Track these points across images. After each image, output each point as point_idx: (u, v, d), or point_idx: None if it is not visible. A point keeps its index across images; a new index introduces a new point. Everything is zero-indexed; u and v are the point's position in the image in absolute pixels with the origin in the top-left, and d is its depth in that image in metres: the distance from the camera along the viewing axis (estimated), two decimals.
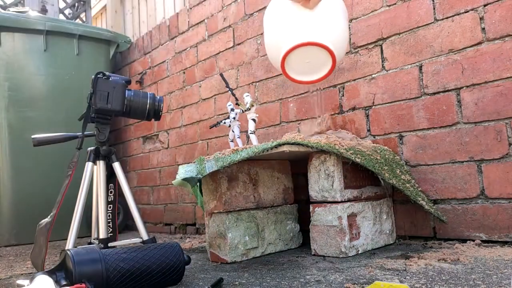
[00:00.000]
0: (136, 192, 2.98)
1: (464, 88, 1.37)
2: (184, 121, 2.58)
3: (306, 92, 1.85)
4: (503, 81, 1.29)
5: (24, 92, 2.59)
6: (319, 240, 1.34)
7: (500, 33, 1.30)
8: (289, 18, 1.26)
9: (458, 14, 1.39)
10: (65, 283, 0.90)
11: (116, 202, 1.52)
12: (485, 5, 1.33)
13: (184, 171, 1.39)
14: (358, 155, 1.32)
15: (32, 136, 1.41)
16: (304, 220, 1.60)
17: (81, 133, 1.42)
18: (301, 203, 1.68)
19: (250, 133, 1.55)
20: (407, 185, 1.39)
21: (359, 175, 1.39)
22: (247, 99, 1.59)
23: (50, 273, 0.94)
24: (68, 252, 0.94)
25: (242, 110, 1.62)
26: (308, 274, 1.10)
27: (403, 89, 1.52)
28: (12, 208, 2.51)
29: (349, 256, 1.29)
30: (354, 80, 1.67)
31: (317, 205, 1.36)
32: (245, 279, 1.10)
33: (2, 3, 3.23)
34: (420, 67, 1.48)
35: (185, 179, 1.36)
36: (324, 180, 1.34)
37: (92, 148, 1.40)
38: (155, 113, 1.47)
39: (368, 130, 1.63)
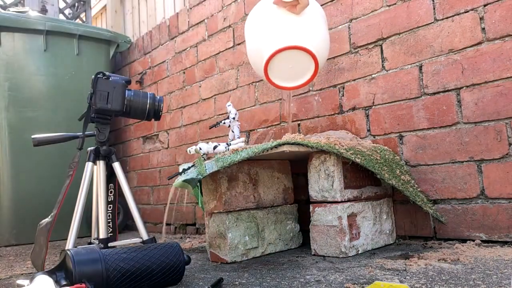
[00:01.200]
0: (136, 192, 2.98)
1: (464, 88, 1.37)
2: (184, 121, 2.58)
3: (306, 92, 1.85)
4: (503, 81, 1.29)
5: (24, 92, 2.59)
6: (319, 240, 1.34)
7: (500, 33, 1.30)
8: (273, 23, 1.25)
9: (458, 14, 1.39)
10: (65, 283, 0.90)
11: (116, 202, 1.52)
12: (485, 5, 1.33)
13: (186, 174, 1.39)
14: (358, 155, 1.32)
15: (32, 136, 1.41)
16: (304, 220, 1.60)
17: (81, 133, 1.42)
18: (301, 203, 1.68)
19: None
20: (407, 185, 1.39)
21: (359, 175, 1.39)
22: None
23: (50, 273, 0.94)
24: (68, 252, 0.94)
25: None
26: (308, 274, 1.10)
27: (403, 89, 1.52)
28: (12, 208, 2.51)
29: (349, 256, 1.29)
30: (354, 80, 1.67)
31: (317, 205, 1.36)
32: (245, 279, 1.10)
33: (2, 3, 3.23)
34: (420, 67, 1.48)
35: (185, 181, 1.36)
36: (324, 180, 1.34)
37: (92, 148, 1.40)
38: (155, 113, 1.47)
39: (368, 130, 1.63)
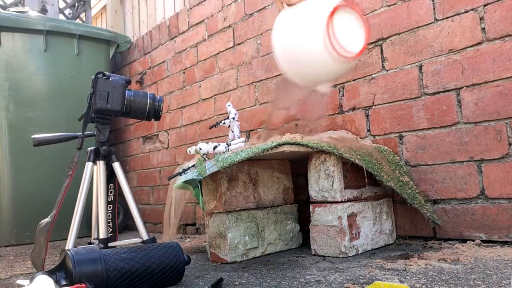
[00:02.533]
0: (136, 192, 2.98)
1: (464, 88, 1.37)
2: (184, 121, 2.58)
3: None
4: (503, 81, 1.29)
5: (24, 92, 2.59)
6: (319, 240, 1.34)
7: (500, 33, 1.30)
8: (304, 10, 1.11)
9: (458, 14, 1.39)
10: (65, 283, 0.90)
11: (116, 202, 1.52)
12: (485, 5, 1.33)
13: (185, 174, 1.39)
14: (358, 156, 1.32)
15: (32, 136, 1.41)
16: (304, 220, 1.60)
17: (81, 133, 1.42)
18: (301, 203, 1.68)
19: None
20: (405, 187, 1.39)
21: (359, 175, 1.39)
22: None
23: (50, 273, 0.94)
24: (68, 252, 0.94)
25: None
26: (308, 274, 1.10)
27: (403, 89, 1.52)
28: (12, 208, 2.51)
29: (349, 256, 1.29)
30: (354, 80, 1.67)
31: (317, 205, 1.36)
32: (245, 279, 1.10)
33: (2, 3, 3.23)
34: (420, 67, 1.48)
35: (186, 182, 1.36)
36: (324, 180, 1.34)
37: (92, 148, 1.40)
38: (155, 113, 1.47)
39: (368, 130, 1.63)
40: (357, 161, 1.30)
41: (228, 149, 1.43)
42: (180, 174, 1.42)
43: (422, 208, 1.37)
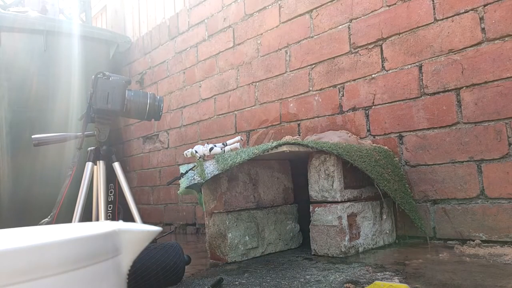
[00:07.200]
0: (136, 192, 2.98)
1: (464, 88, 1.37)
2: (184, 121, 2.58)
3: (306, 92, 1.85)
4: (503, 81, 1.29)
5: (24, 92, 2.59)
6: (319, 240, 1.34)
7: (500, 33, 1.30)
8: None
9: (458, 14, 1.39)
10: None
11: (117, 202, 1.51)
12: (485, 5, 1.33)
13: (188, 180, 1.39)
14: (357, 157, 1.32)
15: (32, 136, 1.41)
16: (304, 220, 1.60)
17: (81, 133, 1.41)
18: (301, 203, 1.68)
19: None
20: (399, 191, 1.40)
21: (359, 175, 1.39)
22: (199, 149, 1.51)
23: None
24: None
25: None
26: (308, 274, 1.10)
27: (403, 89, 1.52)
28: (12, 208, 2.51)
29: (349, 256, 1.29)
30: (354, 80, 1.67)
31: (317, 205, 1.36)
32: (245, 279, 1.10)
33: (2, 3, 3.23)
34: (420, 67, 1.48)
35: (189, 187, 1.36)
36: (324, 180, 1.34)
37: (92, 148, 1.40)
38: (155, 113, 1.46)
39: (368, 130, 1.63)
40: (356, 163, 1.30)
41: (224, 150, 1.42)
42: (178, 178, 1.41)
43: (412, 214, 1.38)
